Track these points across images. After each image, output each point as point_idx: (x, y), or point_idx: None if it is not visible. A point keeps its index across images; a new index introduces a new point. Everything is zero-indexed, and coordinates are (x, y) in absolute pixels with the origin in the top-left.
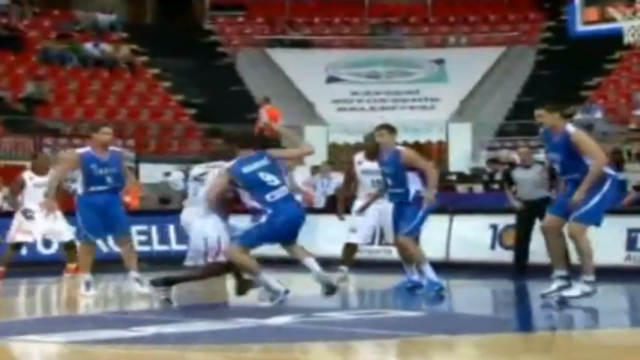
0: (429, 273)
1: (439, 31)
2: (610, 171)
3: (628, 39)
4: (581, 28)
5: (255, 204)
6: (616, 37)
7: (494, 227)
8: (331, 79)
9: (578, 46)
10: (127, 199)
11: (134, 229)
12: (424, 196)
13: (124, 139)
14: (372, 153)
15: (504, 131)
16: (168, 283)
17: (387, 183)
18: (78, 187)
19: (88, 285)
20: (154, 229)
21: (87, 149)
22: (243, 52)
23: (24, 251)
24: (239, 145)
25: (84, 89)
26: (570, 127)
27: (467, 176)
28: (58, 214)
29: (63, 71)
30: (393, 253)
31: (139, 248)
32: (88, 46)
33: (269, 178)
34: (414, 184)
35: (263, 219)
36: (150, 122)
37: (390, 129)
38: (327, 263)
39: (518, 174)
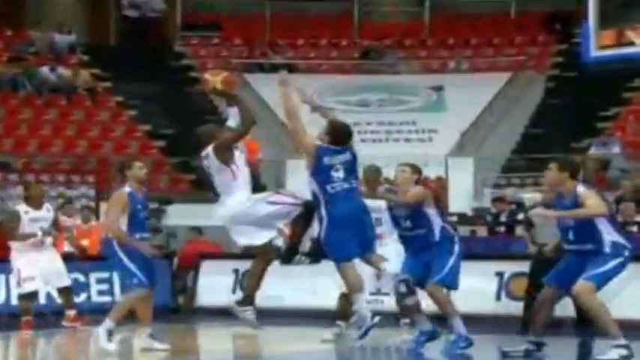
0: (460, 326)
1: (438, 54)
2: (623, 241)
3: None
4: (595, 52)
5: None
6: (636, 62)
7: (500, 275)
8: (314, 108)
9: (593, 72)
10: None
11: (94, 277)
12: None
13: (83, 175)
14: (372, 189)
15: (511, 167)
16: (248, 298)
17: (403, 224)
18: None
19: (109, 334)
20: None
21: (128, 188)
22: None
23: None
24: None
25: (38, 119)
26: (580, 187)
27: (469, 217)
28: (57, 254)
29: (15, 99)
30: (385, 303)
31: (100, 299)
32: (44, 70)
33: None
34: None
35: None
36: (113, 156)
37: (415, 169)
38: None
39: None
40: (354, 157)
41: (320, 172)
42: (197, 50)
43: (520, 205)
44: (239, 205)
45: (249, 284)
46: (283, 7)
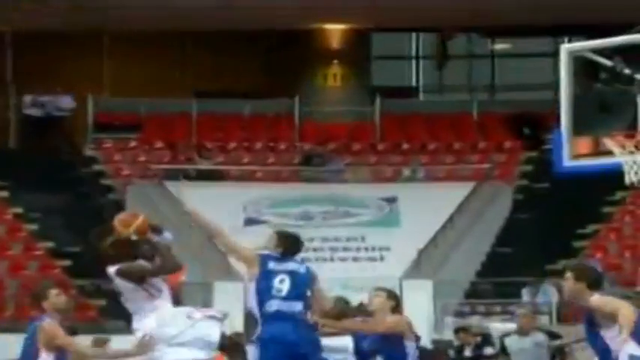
0: None
1: (390, 160)
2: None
3: (630, 178)
4: (569, 162)
5: None
6: (615, 174)
7: None
8: (250, 222)
9: (568, 184)
10: None
11: None
12: None
13: None
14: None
15: (475, 292)
16: None
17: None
18: None
19: None
20: None
21: (48, 320)
22: (136, 185)
23: None
24: None
25: None
26: (594, 297)
27: (428, 351)
28: None
29: None
30: None
31: None
32: None
33: None
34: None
35: None
36: (8, 278)
37: (392, 295)
38: None
39: (514, 343)
40: (308, 273)
41: (263, 279)
42: (111, 154)
43: (487, 338)
44: (160, 328)
45: None
46: (213, 106)
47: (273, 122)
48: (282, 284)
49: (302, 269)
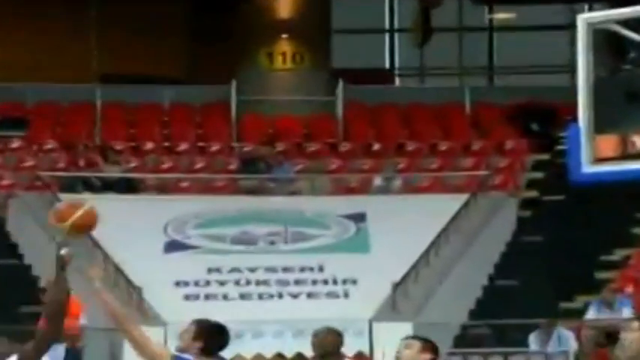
0: None
1: (357, 166)
2: None
3: None
4: (590, 167)
5: None
6: None
7: None
8: (173, 246)
9: (588, 196)
10: None
11: None
12: None
13: None
14: None
15: (468, 337)
16: None
17: None
18: None
19: None
20: None
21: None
22: (21, 198)
23: None
24: None
25: None
26: None
27: None
28: None
29: None
30: None
31: None
32: None
33: None
34: None
35: None
36: None
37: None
38: None
39: None
40: None
41: None
42: None
43: None
44: None
45: None
46: (123, 95)
47: (202, 116)
48: None
49: None
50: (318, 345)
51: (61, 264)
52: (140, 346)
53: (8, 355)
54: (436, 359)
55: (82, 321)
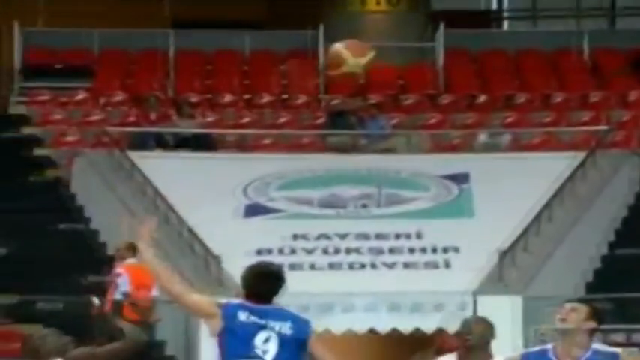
0: None
1: (459, 120)
2: None
3: None
4: None
5: None
6: None
7: None
8: (254, 210)
9: None
10: None
11: None
12: None
13: None
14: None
15: None
16: None
17: None
18: None
19: None
20: None
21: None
22: (86, 157)
23: None
24: None
25: None
26: None
27: None
28: None
29: None
30: None
31: None
32: None
33: None
34: None
35: None
36: None
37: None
38: None
39: None
40: (300, 332)
41: (231, 336)
42: (48, 111)
43: None
44: None
45: None
46: (198, 42)
47: (286, 65)
48: (265, 345)
49: (286, 327)
50: (467, 336)
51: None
52: (190, 306)
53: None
54: (598, 329)
55: (155, 293)
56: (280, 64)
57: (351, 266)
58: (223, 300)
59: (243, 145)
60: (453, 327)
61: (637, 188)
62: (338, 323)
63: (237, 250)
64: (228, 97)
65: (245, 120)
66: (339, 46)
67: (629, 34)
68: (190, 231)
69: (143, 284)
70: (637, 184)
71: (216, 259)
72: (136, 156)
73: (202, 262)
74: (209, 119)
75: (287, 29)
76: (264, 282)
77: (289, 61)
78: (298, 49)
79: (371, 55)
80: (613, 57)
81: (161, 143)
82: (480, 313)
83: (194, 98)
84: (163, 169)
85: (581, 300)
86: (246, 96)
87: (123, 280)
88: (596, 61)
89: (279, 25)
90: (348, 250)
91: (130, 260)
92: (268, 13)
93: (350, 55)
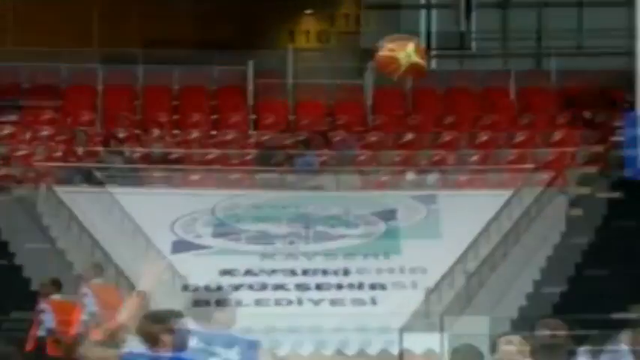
0: None
1: (388, 157)
2: None
3: None
4: None
5: None
6: None
7: None
8: (182, 246)
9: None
10: None
11: None
12: None
13: None
14: None
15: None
16: None
17: None
18: None
19: None
20: None
21: None
22: (10, 193)
23: None
24: None
25: None
26: None
27: None
28: None
29: None
30: None
31: None
32: None
33: None
34: None
35: None
36: None
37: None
38: None
39: None
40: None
41: None
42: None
43: None
44: None
45: None
46: (122, 77)
47: (215, 99)
48: None
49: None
50: None
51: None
52: None
53: None
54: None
55: (79, 329)
56: (210, 99)
57: (277, 302)
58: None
59: (171, 181)
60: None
61: (562, 227)
62: None
63: (165, 286)
64: (156, 133)
65: (173, 155)
66: (382, 53)
67: (555, 74)
68: (116, 267)
69: (67, 320)
70: (562, 223)
71: (141, 294)
72: (62, 191)
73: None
74: (137, 154)
75: (217, 64)
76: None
77: (218, 97)
78: (228, 85)
79: (413, 41)
80: (540, 96)
81: (89, 178)
82: (407, 350)
83: (122, 133)
84: (90, 204)
85: (513, 334)
86: (175, 131)
87: (47, 316)
88: (523, 100)
89: (208, 58)
90: (275, 287)
91: (55, 296)
92: (198, 45)
93: (396, 51)
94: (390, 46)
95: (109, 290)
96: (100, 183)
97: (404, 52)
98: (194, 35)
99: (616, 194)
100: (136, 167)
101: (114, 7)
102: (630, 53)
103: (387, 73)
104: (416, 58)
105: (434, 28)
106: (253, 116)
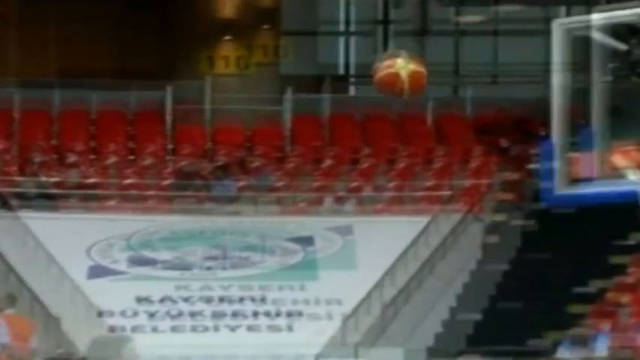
0: None
1: (307, 184)
2: None
3: None
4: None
5: None
6: (629, 206)
7: None
8: (97, 272)
9: (561, 219)
10: None
11: None
12: None
13: None
14: None
15: None
16: None
17: None
18: None
19: None
20: None
21: None
22: None
23: None
24: None
25: None
26: None
27: None
28: None
29: None
30: None
31: None
32: None
33: None
34: None
35: None
36: None
37: None
38: None
39: None
40: None
41: None
42: None
43: None
44: None
45: None
46: (35, 98)
47: (133, 126)
48: None
49: None
50: None
51: None
52: None
53: None
54: None
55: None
56: (128, 125)
57: (193, 329)
58: None
59: (87, 206)
60: None
61: (478, 254)
62: None
63: (79, 313)
64: (73, 157)
65: (90, 180)
66: (381, 74)
67: (471, 102)
68: (31, 292)
69: (21, 335)
70: (478, 250)
71: (56, 321)
72: None
73: (42, 323)
74: (53, 179)
75: (136, 89)
76: None
77: (137, 121)
78: (146, 111)
79: (402, 51)
80: (456, 125)
81: (3, 205)
82: None
83: (38, 158)
84: (4, 230)
85: None
86: (92, 156)
87: (1, 331)
88: (440, 127)
89: (127, 83)
90: (192, 314)
91: (9, 311)
92: (117, 70)
93: (393, 66)
94: (386, 63)
95: (22, 321)
96: (15, 208)
97: (398, 63)
98: (113, 64)
99: (531, 223)
100: (51, 193)
101: (32, 34)
102: (545, 82)
103: (393, 92)
104: (412, 65)
105: (352, 57)
106: (171, 145)
